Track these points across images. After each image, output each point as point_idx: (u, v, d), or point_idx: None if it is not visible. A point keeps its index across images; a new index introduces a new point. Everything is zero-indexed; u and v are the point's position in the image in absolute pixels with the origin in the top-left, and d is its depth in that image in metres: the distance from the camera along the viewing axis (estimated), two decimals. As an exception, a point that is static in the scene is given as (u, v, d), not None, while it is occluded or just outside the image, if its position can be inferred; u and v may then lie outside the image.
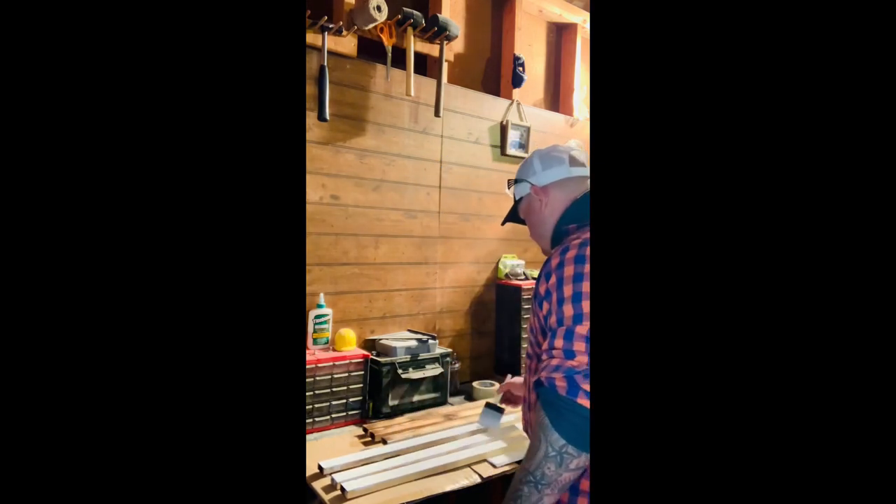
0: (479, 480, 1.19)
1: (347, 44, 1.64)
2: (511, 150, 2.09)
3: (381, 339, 1.67)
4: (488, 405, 1.37)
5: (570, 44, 2.37)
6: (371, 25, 1.58)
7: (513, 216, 1.08)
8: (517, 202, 1.03)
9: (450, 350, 1.75)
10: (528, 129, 2.13)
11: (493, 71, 2.16)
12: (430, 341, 1.67)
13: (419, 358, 1.61)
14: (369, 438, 1.40)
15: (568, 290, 0.77)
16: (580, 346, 0.73)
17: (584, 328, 0.73)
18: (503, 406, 1.35)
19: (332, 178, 1.65)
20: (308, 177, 1.59)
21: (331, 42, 1.59)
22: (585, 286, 0.75)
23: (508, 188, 1.04)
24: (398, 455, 1.29)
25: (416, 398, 1.62)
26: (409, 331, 1.83)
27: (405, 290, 1.85)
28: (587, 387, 0.69)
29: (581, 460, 0.73)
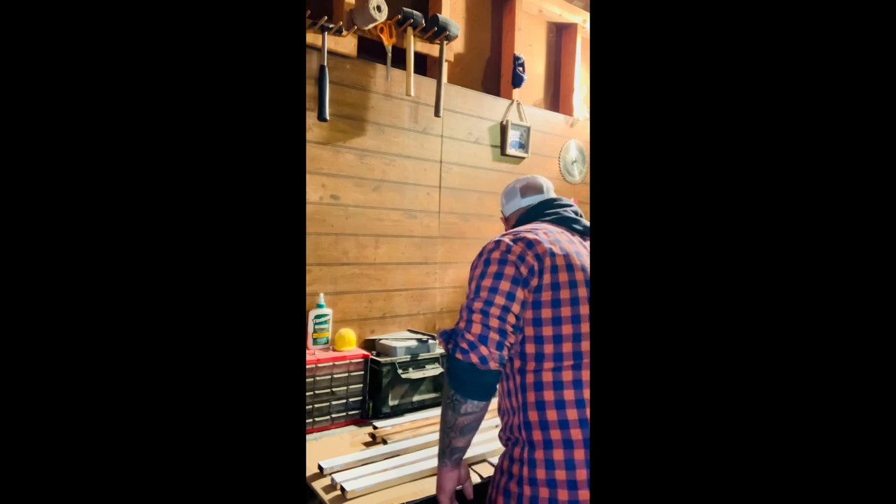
0: (478, 480, 1.18)
1: (347, 44, 1.64)
2: (511, 150, 2.09)
3: (381, 339, 1.66)
4: None
5: (570, 44, 2.37)
6: (371, 25, 1.58)
7: None
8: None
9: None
10: (528, 129, 2.13)
11: (493, 71, 2.16)
12: (430, 341, 1.67)
13: (419, 358, 1.61)
14: (369, 438, 1.40)
15: (469, 278, 0.98)
16: (464, 314, 0.93)
17: (466, 301, 0.94)
18: None
19: (332, 178, 1.65)
20: (308, 177, 1.59)
21: (331, 42, 1.59)
22: (477, 272, 0.96)
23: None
24: (398, 455, 1.29)
25: (416, 398, 1.62)
26: (409, 331, 1.83)
27: (405, 290, 1.85)
28: (463, 344, 0.89)
29: (468, 406, 0.91)
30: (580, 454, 0.87)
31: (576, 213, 1.11)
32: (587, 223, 1.09)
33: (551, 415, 0.89)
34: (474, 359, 0.88)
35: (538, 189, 1.20)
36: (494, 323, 0.89)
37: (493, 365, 0.89)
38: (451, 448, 0.97)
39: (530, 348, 0.92)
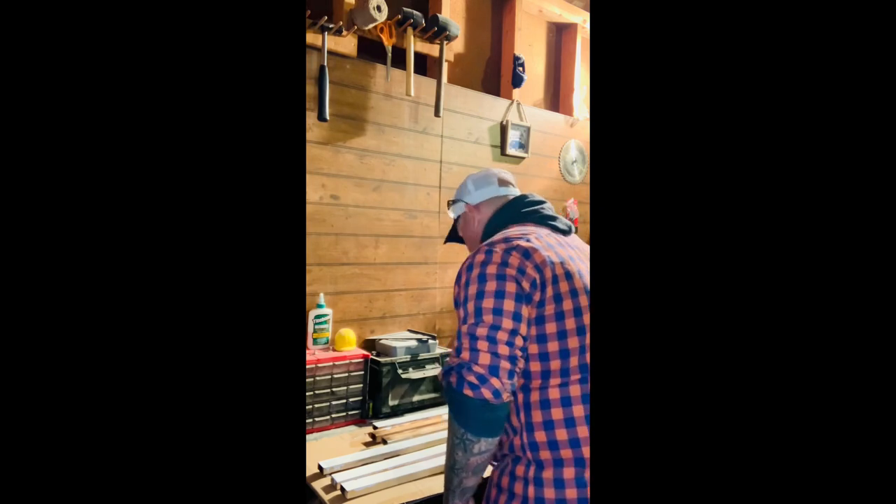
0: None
1: (347, 44, 1.64)
2: (511, 150, 2.09)
3: (381, 339, 1.66)
4: None
5: (570, 44, 2.37)
6: (371, 25, 1.58)
7: (453, 235, 1.20)
8: (456, 221, 1.16)
9: (450, 350, 1.75)
10: (528, 129, 2.13)
11: (493, 71, 2.16)
12: (430, 341, 1.67)
13: (419, 358, 1.61)
14: (369, 438, 1.40)
15: (461, 296, 0.88)
16: (466, 342, 0.83)
17: (465, 326, 0.84)
18: None
19: (332, 178, 1.65)
20: (308, 177, 1.59)
21: (331, 42, 1.59)
22: (472, 289, 0.86)
23: (448, 208, 1.16)
24: (398, 455, 1.29)
25: (416, 398, 1.62)
26: (409, 331, 1.83)
27: (405, 290, 1.85)
28: (472, 378, 0.79)
29: (481, 445, 0.82)
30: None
31: (552, 210, 1.04)
32: (568, 221, 1.04)
33: (561, 434, 0.83)
34: (487, 394, 0.78)
35: (509, 181, 1.12)
36: (503, 350, 0.80)
37: (507, 397, 0.80)
38: (462, 488, 0.89)
39: (535, 366, 0.85)
